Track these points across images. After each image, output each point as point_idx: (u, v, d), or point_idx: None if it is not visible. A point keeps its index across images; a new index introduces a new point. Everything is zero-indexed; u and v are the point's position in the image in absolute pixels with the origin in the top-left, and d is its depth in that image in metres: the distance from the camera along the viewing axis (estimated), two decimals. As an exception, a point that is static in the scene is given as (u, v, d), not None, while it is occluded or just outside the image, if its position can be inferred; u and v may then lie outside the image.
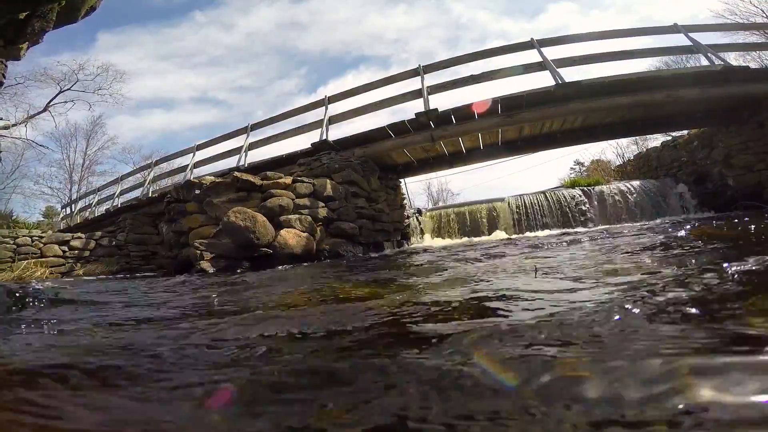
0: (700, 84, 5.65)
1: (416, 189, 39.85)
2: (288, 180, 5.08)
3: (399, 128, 6.15)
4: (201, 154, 8.73)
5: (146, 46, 41.06)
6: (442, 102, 16.33)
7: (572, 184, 9.81)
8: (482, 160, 8.35)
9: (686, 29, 6.27)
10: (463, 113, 5.96)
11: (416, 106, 6.21)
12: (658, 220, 6.50)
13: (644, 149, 11.60)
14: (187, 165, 8.69)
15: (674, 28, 6.34)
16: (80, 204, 14.45)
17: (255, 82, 51.40)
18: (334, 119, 6.80)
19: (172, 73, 42.86)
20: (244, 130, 7.76)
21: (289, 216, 4.73)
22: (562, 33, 11.16)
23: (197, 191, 5.23)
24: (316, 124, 6.77)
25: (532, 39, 6.29)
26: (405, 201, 8.63)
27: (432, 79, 6.47)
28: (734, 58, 11.31)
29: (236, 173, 5.11)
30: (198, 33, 45.71)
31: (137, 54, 38.19)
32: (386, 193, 7.19)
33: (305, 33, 51.18)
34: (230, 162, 7.75)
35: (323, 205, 5.13)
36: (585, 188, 8.46)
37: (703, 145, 7.49)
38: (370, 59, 54.19)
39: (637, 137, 14.76)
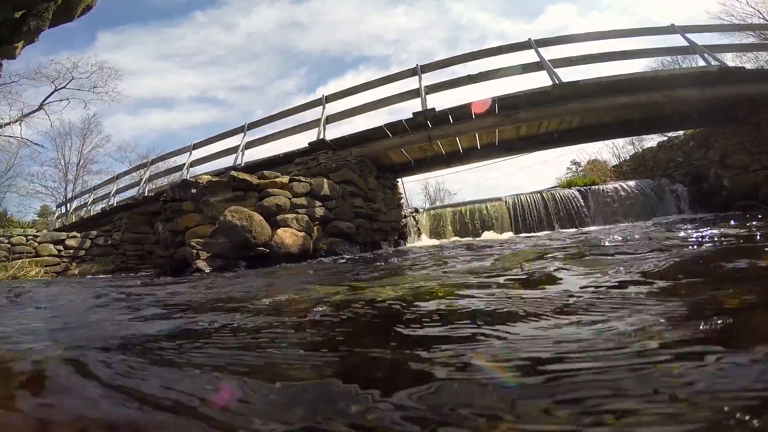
0: (697, 84, 5.67)
1: (414, 188, 39.95)
2: (285, 179, 5.06)
3: (396, 128, 6.14)
4: (197, 153, 8.70)
5: (147, 46, 40.92)
6: (439, 102, 16.32)
7: (569, 184, 9.84)
8: (479, 159, 8.36)
9: (683, 30, 6.29)
10: (461, 113, 5.96)
11: (414, 105, 6.21)
12: (658, 220, 6.52)
13: (640, 149, 11.65)
14: (184, 164, 8.65)
15: (671, 29, 6.36)
16: (76, 203, 14.30)
17: (255, 82, 51.38)
18: (331, 118, 6.77)
19: (172, 73, 42.78)
20: (240, 129, 7.74)
21: (286, 215, 4.71)
22: (561, 34, 11.16)
23: (193, 190, 5.20)
24: (314, 124, 6.75)
25: (529, 39, 6.30)
26: (402, 200, 8.62)
27: (430, 78, 6.48)
28: (731, 59, 11.41)
29: (233, 172, 5.08)
30: (199, 33, 45.60)
31: (137, 53, 38.05)
32: (383, 192, 7.18)
33: (305, 33, 51.18)
34: (227, 161, 7.71)
35: (320, 204, 5.11)
36: (582, 188, 8.48)
37: (699, 146, 7.52)
38: (370, 59, 54.22)
39: (633, 137, 14.87)
